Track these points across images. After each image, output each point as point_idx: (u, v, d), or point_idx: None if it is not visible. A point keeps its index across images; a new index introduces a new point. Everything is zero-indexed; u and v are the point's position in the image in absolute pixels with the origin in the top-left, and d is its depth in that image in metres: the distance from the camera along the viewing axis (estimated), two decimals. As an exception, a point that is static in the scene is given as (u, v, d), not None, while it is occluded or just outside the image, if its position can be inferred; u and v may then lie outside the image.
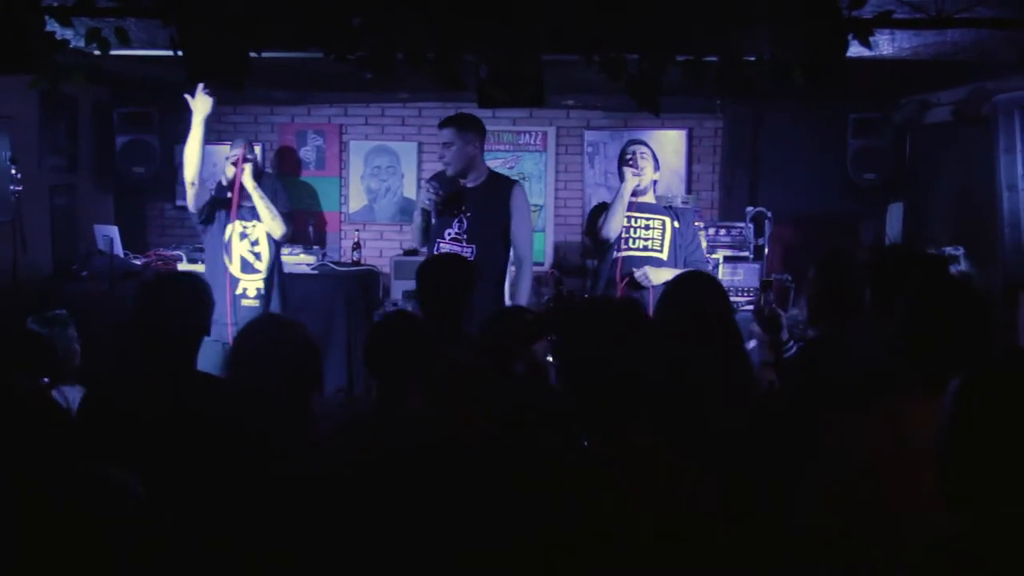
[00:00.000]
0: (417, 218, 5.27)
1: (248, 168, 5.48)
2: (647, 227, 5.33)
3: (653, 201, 5.44)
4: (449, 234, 5.11)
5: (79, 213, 7.55)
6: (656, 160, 5.41)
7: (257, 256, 5.61)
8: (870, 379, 2.60)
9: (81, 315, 4.71)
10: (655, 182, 5.43)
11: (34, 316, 4.36)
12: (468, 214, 5.11)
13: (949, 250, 4.98)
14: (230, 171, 5.61)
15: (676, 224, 5.34)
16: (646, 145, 5.47)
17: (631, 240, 5.32)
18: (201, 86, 5.30)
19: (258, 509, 2.67)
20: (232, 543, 2.61)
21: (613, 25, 3.66)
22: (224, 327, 5.21)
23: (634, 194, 5.31)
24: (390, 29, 3.67)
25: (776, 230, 7.29)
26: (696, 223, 5.72)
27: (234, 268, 5.58)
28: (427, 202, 5.10)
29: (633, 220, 5.33)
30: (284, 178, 7.92)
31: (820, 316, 3.64)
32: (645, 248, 5.30)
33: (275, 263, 5.70)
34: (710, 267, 5.43)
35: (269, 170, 7.97)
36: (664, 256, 5.29)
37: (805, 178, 7.85)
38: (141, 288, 3.37)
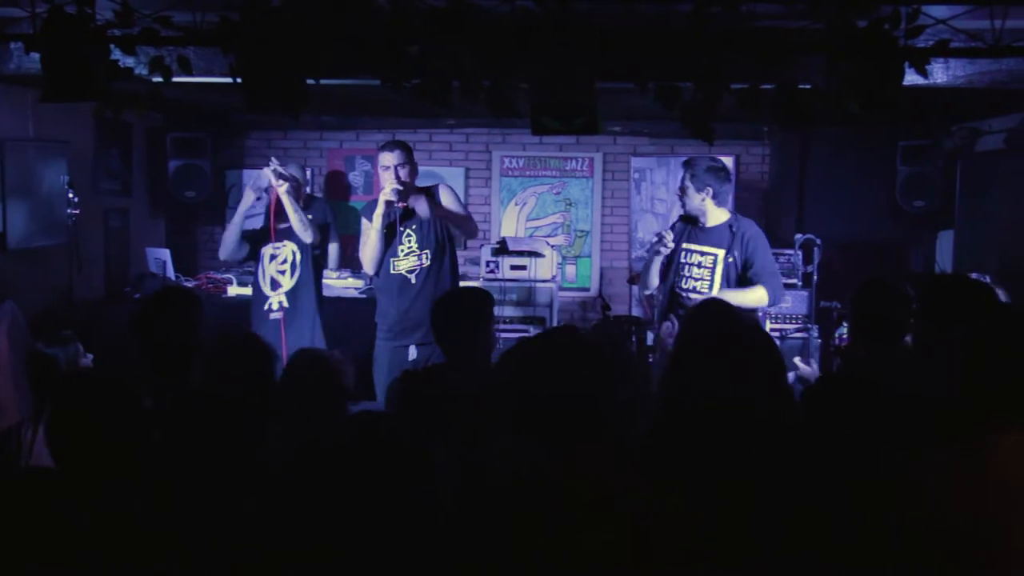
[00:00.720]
0: (372, 231, 5.30)
1: (284, 186, 5.52)
2: (699, 264, 5.20)
3: (719, 220, 5.22)
4: (401, 251, 5.32)
5: (132, 236, 7.67)
6: (697, 181, 5.18)
7: (282, 273, 5.74)
8: (943, 412, 2.56)
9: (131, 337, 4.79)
10: (716, 196, 5.20)
11: (42, 339, 4.48)
12: (414, 227, 5.32)
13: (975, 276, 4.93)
14: (269, 177, 5.59)
15: (731, 258, 5.14)
16: (687, 168, 5.27)
17: (683, 279, 5.25)
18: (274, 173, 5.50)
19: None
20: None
21: (668, 53, 3.68)
22: None
23: (691, 220, 5.26)
24: (446, 58, 3.71)
25: (823, 257, 7.25)
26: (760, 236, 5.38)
27: (265, 287, 5.77)
28: (394, 199, 5.20)
29: (688, 255, 5.24)
30: (333, 203, 8.00)
31: (860, 344, 3.61)
32: (694, 289, 5.19)
33: (307, 282, 5.78)
34: (775, 285, 5.15)
35: (319, 194, 8.08)
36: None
37: (853, 205, 7.80)
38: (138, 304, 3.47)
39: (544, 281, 7.27)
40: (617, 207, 8.47)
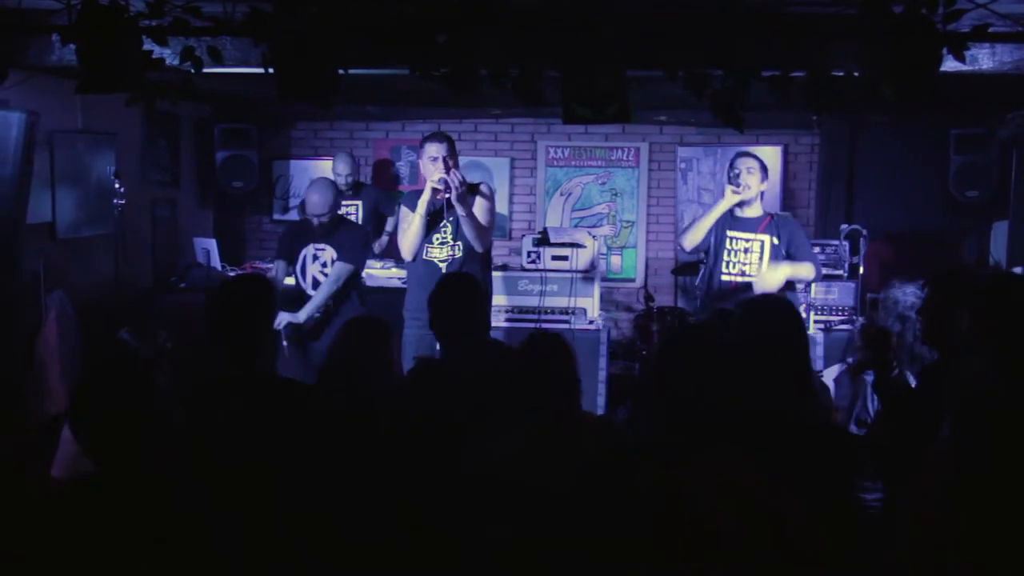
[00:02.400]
0: (417, 219, 5.32)
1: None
2: (746, 250, 5.36)
3: (759, 213, 5.45)
4: (437, 239, 5.38)
5: (180, 226, 7.78)
6: (765, 171, 5.44)
7: (325, 275, 5.77)
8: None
9: (178, 325, 4.85)
10: (762, 193, 5.45)
11: (128, 328, 4.51)
12: (451, 218, 5.35)
13: (1018, 270, 4.82)
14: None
15: (775, 241, 5.35)
16: (754, 158, 5.45)
17: (730, 264, 5.38)
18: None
19: None
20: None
21: (697, 40, 3.63)
22: None
23: (739, 205, 5.37)
24: (473, 46, 3.69)
25: (873, 247, 7.11)
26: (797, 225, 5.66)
27: (307, 287, 5.81)
28: (450, 184, 5.20)
29: (733, 242, 5.37)
30: (383, 192, 8.08)
31: (936, 339, 3.48)
32: (742, 273, 5.34)
33: (351, 285, 5.84)
34: (817, 264, 5.46)
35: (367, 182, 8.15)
36: None
37: (904, 195, 7.65)
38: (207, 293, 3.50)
39: (586, 271, 7.23)
40: (663, 197, 8.40)
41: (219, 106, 7.86)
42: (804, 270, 5.37)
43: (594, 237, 7.53)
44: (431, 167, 5.30)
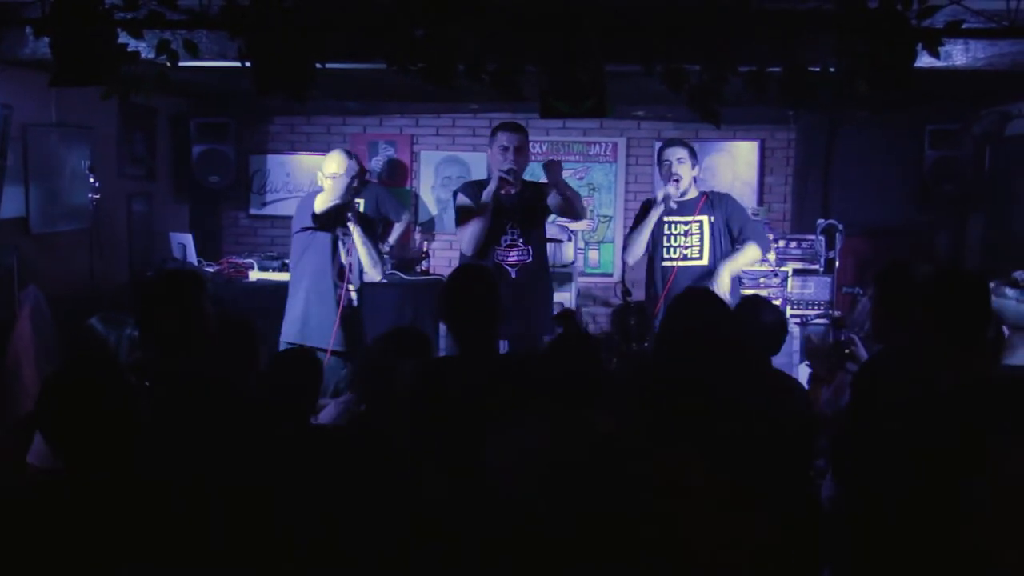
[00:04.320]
0: (484, 211, 5.08)
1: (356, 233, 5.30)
2: (685, 233, 5.30)
3: (694, 195, 5.36)
4: (505, 240, 5.19)
5: (155, 221, 7.73)
6: (694, 154, 5.35)
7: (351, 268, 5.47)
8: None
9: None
10: (695, 178, 5.37)
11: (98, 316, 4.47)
12: (519, 218, 5.19)
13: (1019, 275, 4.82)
14: (328, 187, 5.20)
15: (712, 219, 5.29)
16: (680, 146, 5.35)
17: (670, 249, 5.32)
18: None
19: None
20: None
21: (674, 35, 3.64)
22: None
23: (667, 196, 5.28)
24: (450, 40, 3.69)
25: (849, 242, 7.15)
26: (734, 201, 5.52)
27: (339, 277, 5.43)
28: (509, 177, 5.05)
29: (671, 227, 5.31)
30: (393, 189, 8.16)
31: (883, 333, 3.52)
32: (685, 257, 5.30)
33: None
34: (769, 236, 5.48)
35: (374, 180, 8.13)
36: (705, 262, 5.26)
37: (880, 190, 7.71)
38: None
39: (564, 267, 7.25)
40: (641, 192, 8.40)
41: (196, 100, 7.81)
42: (748, 255, 5.30)
43: (571, 232, 7.56)
44: (500, 157, 5.09)
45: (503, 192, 5.12)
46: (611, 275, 8.36)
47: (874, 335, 3.58)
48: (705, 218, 5.30)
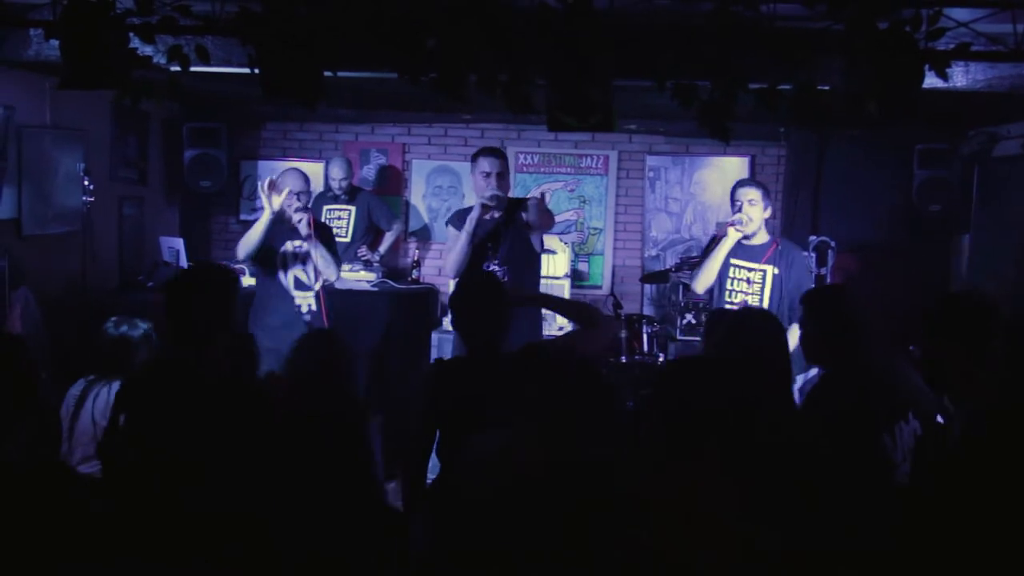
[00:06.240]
0: (463, 237, 5.14)
1: (304, 219, 5.45)
2: (748, 280, 5.20)
3: (764, 240, 5.27)
4: (487, 265, 5.17)
5: (147, 225, 7.70)
6: (767, 196, 5.27)
7: (306, 274, 5.67)
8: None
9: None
10: (766, 220, 5.28)
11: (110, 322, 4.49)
12: (498, 240, 5.18)
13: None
14: (276, 202, 5.41)
15: (776, 271, 5.17)
16: (755, 186, 5.28)
17: (732, 293, 5.25)
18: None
19: None
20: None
21: (686, 52, 3.67)
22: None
23: (744, 237, 5.24)
24: (463, 52, 3.70)
25: (838, 259, 7.22)
26: (807, 262, 5.41)
27: (289, 286, 5.65)
28: (492, 204, 5.10)
29: (736, 271, 5.24)
30: (385, 197, 8.20)
31: (816, 356, 3.54)
32: (744, 304, 5.18)
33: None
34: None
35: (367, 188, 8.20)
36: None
37: (868, 208, 7.77)
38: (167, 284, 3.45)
39: (556, 278, 7.28)
40: (631, 205, 8.46)
41: (188, 105, 7.79)
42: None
43: (565, 244, 7.60)
44: (483, 183, 5.13)
45: (487, 217, 5.16)
46: (600, 287, 8.39)
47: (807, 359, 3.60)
48: (770, 268, 5.17)
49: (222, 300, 3.33)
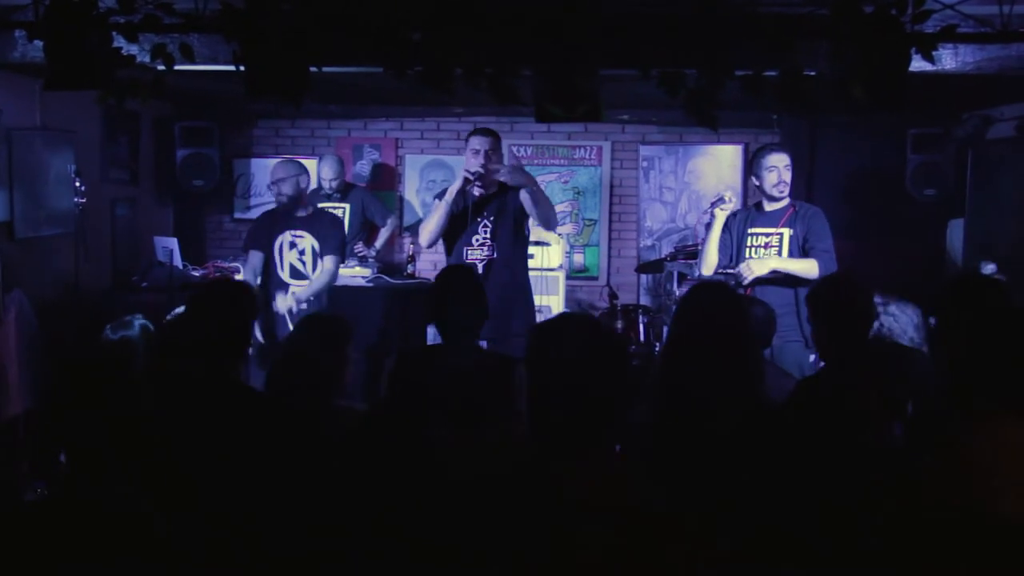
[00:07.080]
0: (442, 207, 5.30)
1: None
2: (766, 245, 5.19)
3: (784, 204, 5.24)
4: (476, 240, 5.32)
5: (140, 225, 7.69)
6: (792, 161, 5.26)
7: (303, 263, 5.76)
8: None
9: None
10: (786, 183, 5.22)
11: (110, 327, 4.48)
12: (491, 218, 5.31)
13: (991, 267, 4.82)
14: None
15: (791, 232, 5.16)
16: (785, 151, 5.28)
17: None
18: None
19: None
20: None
21: (670, 40, 3.66)
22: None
23: (767, 199, 5.24)
24: (448, 45, 3.69)
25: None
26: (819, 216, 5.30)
27: (285, 275, 5.76)
28: (472, 175, 5.21)
29: (754, 238, 5.23)
30: (380, 193, 8.23)
31: (824, 349, 3.52)
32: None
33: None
34: (825, 261, 5.08)
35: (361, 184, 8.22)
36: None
37: (862, 193, 7.76)
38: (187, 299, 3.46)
39: (551, 270, 7.26)
40: (626, 196, 8.45)
41: (179, 104, 7.78)
42: (800, 266, 5.03)
43: (560, 235, 7.59)
44: (472, 160, 5.28)
45: (472, 191, 5.29)
46: (597, 278, 8.38)
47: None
48: (787, 231, 5.16)
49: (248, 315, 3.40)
